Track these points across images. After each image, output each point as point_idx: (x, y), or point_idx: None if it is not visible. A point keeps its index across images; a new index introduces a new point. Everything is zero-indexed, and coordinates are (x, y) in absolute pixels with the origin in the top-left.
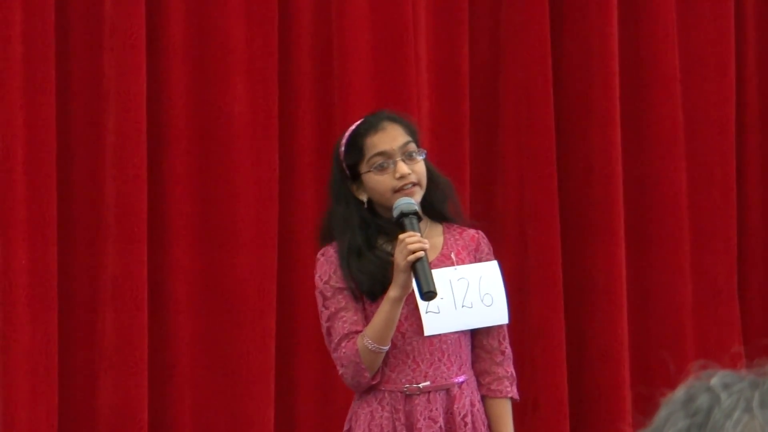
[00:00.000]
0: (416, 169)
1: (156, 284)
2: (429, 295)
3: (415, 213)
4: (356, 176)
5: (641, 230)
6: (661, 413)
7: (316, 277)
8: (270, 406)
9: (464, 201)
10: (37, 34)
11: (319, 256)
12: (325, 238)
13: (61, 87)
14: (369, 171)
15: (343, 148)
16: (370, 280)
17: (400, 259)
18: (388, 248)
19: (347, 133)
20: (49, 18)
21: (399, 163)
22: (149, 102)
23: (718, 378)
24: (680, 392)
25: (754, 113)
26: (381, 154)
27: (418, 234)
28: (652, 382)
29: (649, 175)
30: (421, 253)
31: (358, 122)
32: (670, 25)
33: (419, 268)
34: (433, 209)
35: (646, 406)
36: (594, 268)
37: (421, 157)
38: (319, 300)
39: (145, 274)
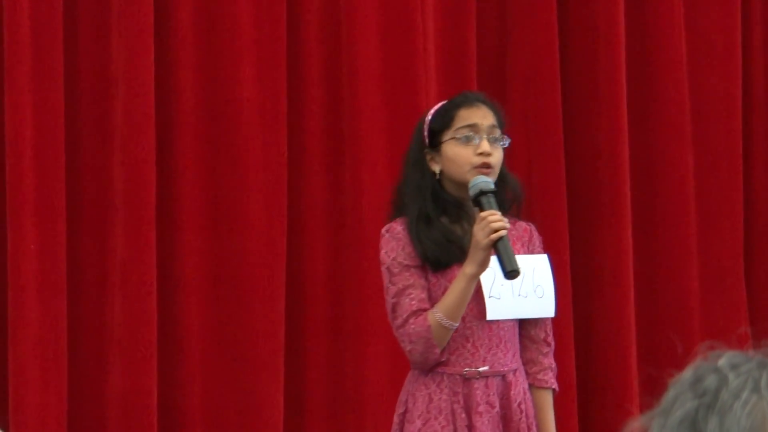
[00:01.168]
0: (496, 154)
1: (165, 269)
2: (513, 273)
3: (493, 192)
4: (436, 145)
5: (648, 214)
6: (669, 394)
7: (383, 253)
8: (279, 391)
9: None
10: (45, 20)
11: (383, 232)
12: (397, 209)
13: (70, 72)
14: (453, 139)
15: (430, 117)
16: (435, 248)
17: (482, 236)
18: (452, 227)
19: (438, 105)
20: (57, 4)
21: (484, 140)
22: (157, 87)
23: (725, 359)
24: (688, 373)
25: (761, 97)
26: (471, 126)
27: (499, 213)
28: (659, 365)
29: (655, 159)
30: (503, 232)
31: (454, 96)
32: (677, 9)
33: (501, 247)
34: (499, 202)
35: (654, 388)
36: (601, 252)
37: (502, 145)
38: (386, 276)
39: (154, 260)
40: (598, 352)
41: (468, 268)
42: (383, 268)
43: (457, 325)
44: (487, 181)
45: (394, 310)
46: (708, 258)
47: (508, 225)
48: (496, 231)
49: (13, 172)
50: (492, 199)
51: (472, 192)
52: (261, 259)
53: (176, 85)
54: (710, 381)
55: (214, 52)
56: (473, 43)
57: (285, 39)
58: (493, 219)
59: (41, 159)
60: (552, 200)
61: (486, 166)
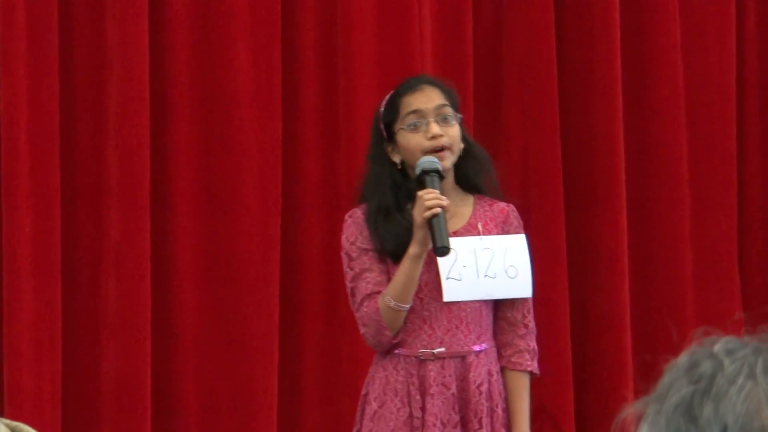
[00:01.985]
0: (450, 132)
1: (159, 253)
2: (441, 250)
3: (437, 171)
4: (391, 136)
5: (642, 198)
6: (665, 380)
7: (343, 238)
8: (273, 374)
9: None
10: (40, 4)
11: (346, 218)
12: (358, 201)
13: (64, 56)
14: (402, 129)
15: (382, 108)
16: (395, 240)
17: (417, 215)
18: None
19: (388, 95)
20: None
21: (431, 124)
22: (152, 70)
23: (721, 344)
24: (683, 359)
25: (754, 83)
26: (415, 112)
27: (437, 191)
28: (654, 350)
29: (650, 144)
30: (437, 210)
31: (399, 84)
32: None
33: (435, 224)
34: (466, 180)
35: (649, 373)
36: (596, 237)
37: (456, 122)
38: (345, 261)
39: (148, 243)
40: (594, 338)
41: (411, 248)
42: (342, 253)
43: (407, 307)
44: (432, 161)
45: (352, 294)
46: (702, 243)
47: (444, 202)
48: (431, 208)
49: (8, 155)
50: (435, 179)
51: (416, 171)
52: (255, 242)
53: (170, 69)
54: (706, 366)
55: (208, 35)
56: (469, 28)
57: (280, 23)
58: (427, 197)
59: (36, 143)
60: (548, 185)
61: (439, 148)
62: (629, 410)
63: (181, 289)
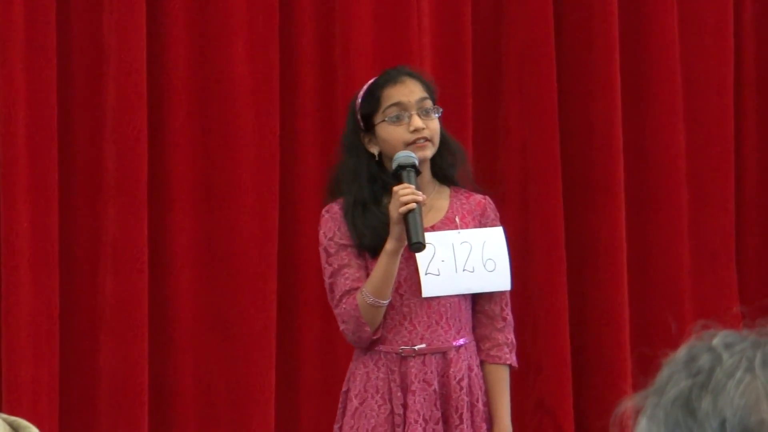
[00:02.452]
0: (431, 125)
1: (157, 247)
2: (416, 246)
3: (413, 166)
4: (370, 128)
5: (640, 193)
6: (663, 373)
7: (320, 233)
8: (271, 369)
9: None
10: None
11: (323, 212)
12: (333, 193)
13: (62, 50)
14: (383, 121)
15: (360, 99)
16: (372, 234)
17: (393, 210)
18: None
19: (365, 86)
20: None
21: (414, 117)
22: (149, 64)
23: (719, 338)
24: (682, 352)
25: (752, 77)
26: (397, 104)
27: (413, 186)
28: (652, 344)
29: (648, 137)
30: (412, 205)
31: (379, 75)
32: None
33: (410, 219)
34: (442, 172)
35: (648, 367)
36: (595, 231)
37: (436, 115)
38: (323, 256)
39: (146, 237)
40: (592, 331)
41: (388, 244)
42: (320, 249)
43: (385, 302)
44: (408, 156)
45: (331, 290)
46: (699, 238)
47: (420, 198)
48: (406, 204)
49: (6, 150)
50: (411, 173)
51: (393, 166)
52: (253, 236)
53: (168, 63)
54: (704, 360)
55: (206, 29)
56: (468, 23)
57: (277, 16)
58: (403, 192)
59: (34, 137)
60: (546, 180)
61: (422, 141)
62: (628, 404)
63: (178, 283)
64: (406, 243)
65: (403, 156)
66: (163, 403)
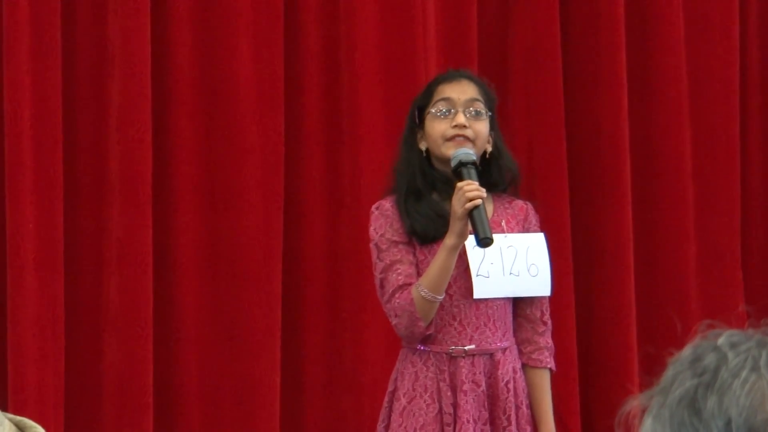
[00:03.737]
0: (476, 127)
1: (161, 248)
2: (485, 241)
3: (474, 163)
4: (422, 121)
5: (647, 193)
6: (669, 373)
7: (371, 229)
8: (276, 371)
9: None
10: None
11: (373, 209)
12: (391, 186)
13: (67, 51)
14: (431, 113)
15: (421, 94)
16: (425, 221)
17: (458, 206)
18: (441, 203)
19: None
20: None
21: (459, 113)
22: (154, 65)
23: (725, 337)
24: (687, 352)
25: (758, 77)
26: (446, 100)
27: (476, 183)
28: (659, 343)
29: (654, 137)
30: (478, 201)
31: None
32: None
33: (476, 216)
34: (489, 181)
35: (654, 367)
36: (601, 231)
37: (485, 118)
38: (374, 252)
39: (151, 238)
40: (599, 331)
41: (448, 239)
42: (372, 245)
43: (441, 298)
44: (468, 153)
45: (382, 286)
46: (705, 238)
47: (484, 194)
48: (471, 200)
49: (12, 151)
50: (472, 170)
51: (453, 163)
52: (258, 238)
53: (173, 64)
54: (709, 360)
55: (210, 31)
56: (474, 22)
57: (282, 17)
58: (468, 188)
59: (39, 138)
60: (553, 179)
61: (461, 138)
62: (633, 403)
63: (183, 284)
64: (466, 239)
65: (463, 153)
66: (168, 404)
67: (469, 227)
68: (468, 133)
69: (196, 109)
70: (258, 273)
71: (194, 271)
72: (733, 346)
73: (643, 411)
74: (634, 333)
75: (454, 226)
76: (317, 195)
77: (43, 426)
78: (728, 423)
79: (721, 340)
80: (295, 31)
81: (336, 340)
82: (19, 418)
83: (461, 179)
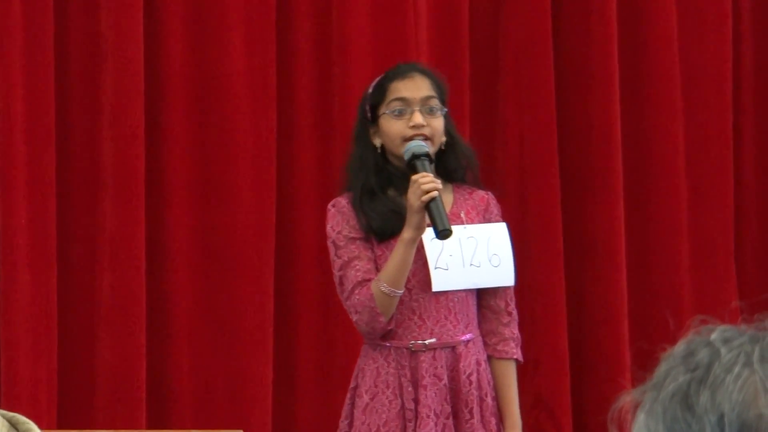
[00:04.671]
0: (433, 124)
1: (154, 244)
2: (444, 233)
3: (427, 155)
4: (375, 118)
5: (639, 189)
6: (661, 368)
7: (328, 227)
8: (268, 364)
9: None
10: None
11: (330, 207)
12: (345, 184)
13: (59, 47)
14: (386, 113)
15: (370, 90)
16: (381, 219)
17: (414, 199)
18: (398, 198)
19: (378, 77)
20: None
21: (416, 113)
22: (147, 61)
23: (718, 333)
24: (680, 347)
25: (751, 72)
26: (401, 99)
27: (431, 174)
28: (651, 339)
29: (646, 133)
30: (435, 193)
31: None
32: None
33: (433, 208)
34: (447, 171)
35: (647, 362)
36: (593, 227)
37: (440, 114)
38: (332, 250)
39: (144, 234)
40: (591, 327)
41: (405, 233)
42: (329, 242)
43: (401, 292)
44: (420, 145)
45: (341, 283)
46: (698, 234)
47: (440, 185)
48: (427, 192)
49: (4, 147)
50: (426, 162)
51: (406, 156)
52: (250, 233)
53: (165, 60)
54: (702, 355)
55: (203, 27)
56: (465, 18)
57: (274, 12)
58: (423, 181)
59: (31, 134)
60: (544, 175)
61: (421, 138)
62: (626, 399)
63: (176, 280)
64: (423, 232)
65: (415, 145)
66: (161, 399)
67: (427, 220)
68: (426, 131)
69: (189, 105)
70: (250, 268)
71: (187, 266)
72: (726, 341)
73: (636, 406)
74: (626, 328)
75: (411, 220)
76: (309, 190)
77: (36, 421)
78: (721, 418)
79: (714, 336)
80: (288, 26)
81: (328, 335)
82: (11, 414)
83: (416, 172)
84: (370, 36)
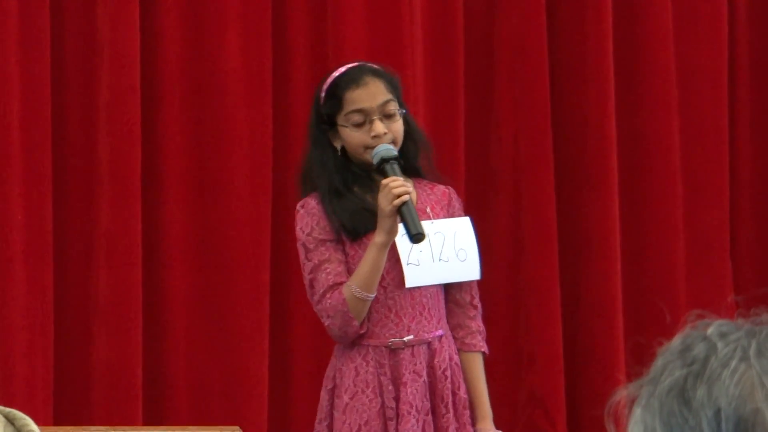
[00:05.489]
0: (393, 128)
1: (150, 240)
2: (418, 237)
3: (396, 158)
4: (333, 125)
5: (634, 184)
6: (658, 362)
7: (297, 229)
8: (264, 362)
9: (458, 156)
10: None
11: (298, 208)
12: (305, 184)
13: (56, 43)
14: (345, 126)
15: (323, 94)
16: (351, 218)
17: (385, 203)
18: (364, 196)
19: (328, 81)
20: None
21: (376, 122)
22: (143, 57)
23: (714, 327)
24: (677, 341)
25: (746, 68)
26: (359, 111)
27: (401, 178)
28: (646, 336)
29: (642, 129)
30: (406, 197)
31: (340, 71)
32: None
33: (406, 212)
34: (407, 163)
35: (642, 357)
36: (588, 223)
37: (399, 116)
38: (302, 252)
39: (140, 230)
40: (585, 324)
41: (377, 237)
42: (299, 245)
43: (373, 296)
44: (389, 149)
45: (311, 286)
46: (694, 230)
47: (410, 189)
48: (399, 196)
49: (0, 143)
50: (395, 166)
51: (375, 160)
52: (246, 230)
53: (161, 57)
54: (699, 349)
55: (199, 23)
56: (460, 15)
57: (270, 9)
58: (394, 185)
59: (27, 130)
60: (539, 171)
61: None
62: (622, 393)
63: (172, 276)
64: (395, 235)
65: (384, 149)
66: (157, 396)
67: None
68: (387, 138)
69: (185, 101)
70: (246, 265)
71: (183, 262)
72: (722, 335)
73: (633, 401)
74: (621, 324)
75: (383, 224)
76: None
77: (33, 418)
78: (717, 413)
79: (710, 330)
80: (284, 23)
81: (324, 330)
82: (8, 410)
83: (385, 176)
84: (365, 34)
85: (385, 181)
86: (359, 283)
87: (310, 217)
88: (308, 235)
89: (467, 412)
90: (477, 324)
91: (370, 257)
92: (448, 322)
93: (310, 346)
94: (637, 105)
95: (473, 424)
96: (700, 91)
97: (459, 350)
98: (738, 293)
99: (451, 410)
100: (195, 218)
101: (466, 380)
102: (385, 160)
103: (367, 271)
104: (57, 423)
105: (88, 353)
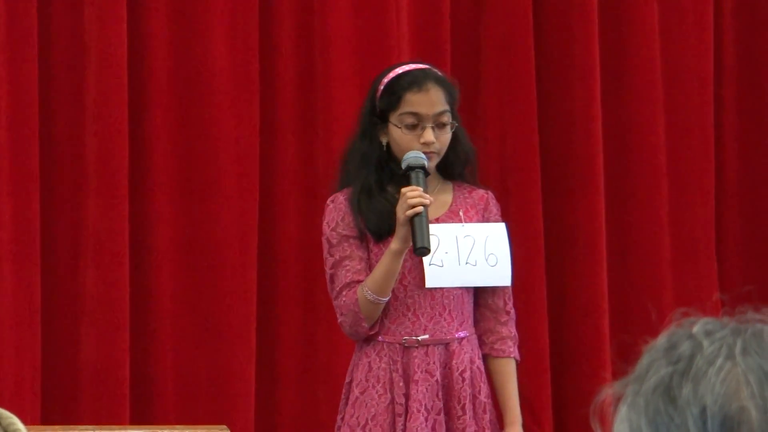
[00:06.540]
0: (442, 139)
1: (137, 239)
2: (421, 250)
3: (423, 167)
4: (385, 119)
5: (621, 184)
6: (643, 361)
7: (324, 223)
8: (251, 361)
9: None
10: None
11: (328, 203)
12: (343, 175)
13: (43, 43)
14: (397, 125)
15: (381, 88)
16: (378, 218)
17: (400, 212)
18: (395, 196)
19: (390, 76)
20: None
21: (428, 130)
22: (130, 57)
23: (700, 325)
24: (662, 340)
25: (732, 68)
26: (415, 114)
27: (421, 189)
28: (632, 333)
29: (628, 130)
30: (419, 209)
31: (404, 68)
32: None
33: (416, 223)
34: (447, 168)
35: (628, 355)
36: (574, 222)
37: (450, 130)
38: (325, 247)
39: (127, 230)
40: (572, 321)
41: (393, 244)
42: (323, 239)
43: (385, 300)
44: (418, 157)
45: (332, 281)
46: (680, 229)
47: (428, 201)
48: (413, 207)
49: None
50: (420, 175)
51: (402, 165)
52: (233, 230)
53: (149, 56)
54: (685, 347)
55: (186, 23)
56: (447, 13)
57: (257, 8)
58: (411, 195)
59: (15, 130)
60: (525, 171)
61: (429, 153)
62: (608, 392)
63: (159, 276)
64: (410, 245)
65: (413, 157)
66: (145, 395)
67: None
68: (434, 148)
69: (172, 100)
70: (234, 265)
71: (170, 262)
72: (708, 334)
73: (618, 399)
74: (607, 323)
75: (399, 232)
76: (292, 187)
77: (20, 417)
78: (703, 411)
79: (696, 328)
80: (270, 22)
81: (311, 330)
82: None
83: (409, 183)
84: (352, 32)
85: (404, 190)
86: (372, 287)
87: (336, 213)
88: (333, 230)
89: (487, 416)
90: (509, 330)
91: (384, 263)
92: (479, 327)
93: (297, 346)
94: (624, 105)
95: (501, 429)
96: (686, 90)
97: (488, 355)
98: (723, 292)
99: (469, 412)
100: (182, 218)
101: (495, 386)
102: (411, 168)
103: (380, 276)
104: (44, 422)
105: (75, 353)
